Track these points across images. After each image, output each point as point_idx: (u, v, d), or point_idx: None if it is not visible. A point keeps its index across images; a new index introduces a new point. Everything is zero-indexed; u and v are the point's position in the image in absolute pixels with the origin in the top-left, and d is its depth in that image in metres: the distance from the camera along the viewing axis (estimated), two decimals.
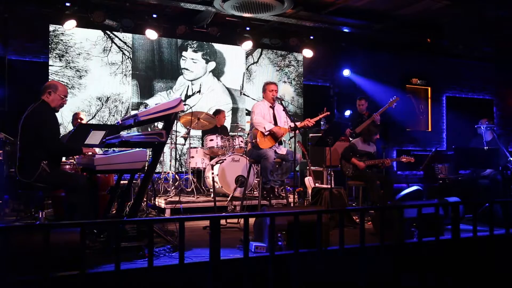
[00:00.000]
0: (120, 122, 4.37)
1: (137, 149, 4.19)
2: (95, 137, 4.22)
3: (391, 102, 7.23)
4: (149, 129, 7.50)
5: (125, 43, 8.69)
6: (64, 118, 7.86)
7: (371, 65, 10.24)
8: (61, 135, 6.57)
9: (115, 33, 8.57)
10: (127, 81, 8.70)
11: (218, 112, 7.99)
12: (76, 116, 6.70)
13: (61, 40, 8.18)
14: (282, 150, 5.84)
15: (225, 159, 6.66)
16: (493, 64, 11.75)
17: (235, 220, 5.29)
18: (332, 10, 8.13)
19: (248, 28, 8.84)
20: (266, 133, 5.64)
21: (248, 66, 9.73)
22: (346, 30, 9.04)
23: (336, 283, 3.17)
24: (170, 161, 7.74)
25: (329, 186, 5.74)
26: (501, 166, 6.51)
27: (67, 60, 8.23)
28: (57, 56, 8.15)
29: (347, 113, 9.69)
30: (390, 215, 4.04)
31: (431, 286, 3.36)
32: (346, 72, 10.17)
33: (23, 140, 4.09)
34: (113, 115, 8.55)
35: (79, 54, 8.31)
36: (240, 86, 9.57)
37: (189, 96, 9.16)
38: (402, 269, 3.29)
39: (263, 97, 5.94)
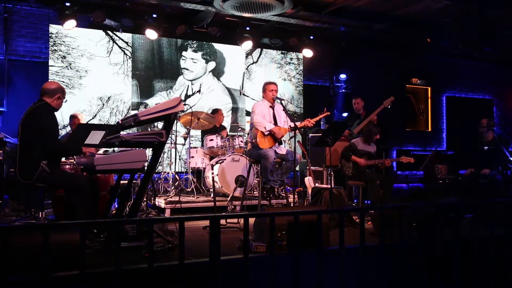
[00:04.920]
0: (120, 122, 4.37)
1: (137, 149, 4.19)
2: (95, 137, 4.22)
3: (386, 102, 7.22)
4: (149, 129, 7.50)
5: (126, 43, 8.69)
6: (65, 119, 7.85)
7: (371, 65, 10.25)
8: (61, 135, 6.59)
9: (117, 33, 8.57)
10: (128, 80, 8.70)
11: (215, 111, 8.00)
12: (74, 120, 6.63)
13: (63, 41, 8.18)
14: (282, 150, 5.84)
15: (225, 159, 6.65)
16: (493, 64, 11.76)
17: (235, 220, 5.29)
18: (332, 10, 8.13)
19: (248, 28, 8.84)
20: (266, 133, 5.64)
21: (248, 66, 9.73)
22: (346, 30, 9.04)
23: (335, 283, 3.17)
24: (170, 161, 7.74)
25: (329, 186, 5.74)
26: (501, 166, 6.51)
27: (69, 61, 8.23)
28: (59, 57, 8.15)
29: (345, 114, 9.70)
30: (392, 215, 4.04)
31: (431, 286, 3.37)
32: (343, 76, 10.22)
33: (23, 140, 4.09)
34: (114, 115, 8.55)
35: (81, 56, 8.31)
36: (240, 86, 9.57)
37: (189, 96, 9.16)
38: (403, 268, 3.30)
39: (263, 97, 5.94)
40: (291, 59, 10.09)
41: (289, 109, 9.49)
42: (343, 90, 10.28)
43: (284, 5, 7.00)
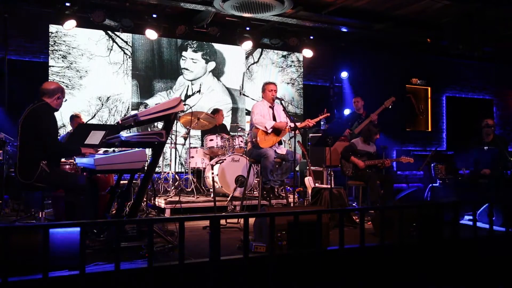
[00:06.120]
0: (120, 122, 4.37)
1: (137, 149, 4.19)
2: (95, 137, 4.22)
3: (387, 102, 7.23)
4: (149, 129, 7.50)
5: (126, 42, 8.69)
6: (64, 119, 7.85)
7: (371, 65, 10.25)
8: (61, 135, 6.59)
9: (117, 33, 8.57)
10: (128, 80, 8.70)
11: (216, 111, 8.01)
12: (76, 120, 6.64)
13: (64, 41, 8.19)
14: (282, 150, 5.84)
15: (225, 159, 6.65)
16: (493, 64, 11.75)
17: (235, 220, 5.29)
18: (332, 10, 8.13)
19: (248, 28, 8.83)
20: (269, 131, 5.63)
21: (249, 66, 9.73)
22: (346, 30, 9.04)
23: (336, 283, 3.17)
24: (170, 161, 7.74)
25: (329, 186, 5.74)
26: (501, 166, 6.51)
27: (70, 60, 8.23)
28: (59, 56, 8.15)
29: (347, 111, 9.71)
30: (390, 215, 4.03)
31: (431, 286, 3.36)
32: (344, 74, 10.21)
33: (23, 140, 4.09)
34: (113, 115, 8.55)
35: (81, 55, 8.31)
36: (240, 86, 9.57)
37: (189, 96, 9.16)
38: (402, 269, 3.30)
39: (262, 97, 5.94)
40: (292, 61, 10.08)
41: (289, 110, 9.48)
42: (343, 90, 10.28)
43: (284, 5, 7.00)
